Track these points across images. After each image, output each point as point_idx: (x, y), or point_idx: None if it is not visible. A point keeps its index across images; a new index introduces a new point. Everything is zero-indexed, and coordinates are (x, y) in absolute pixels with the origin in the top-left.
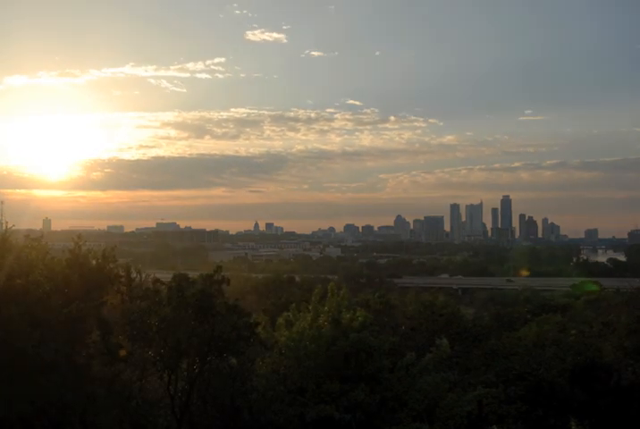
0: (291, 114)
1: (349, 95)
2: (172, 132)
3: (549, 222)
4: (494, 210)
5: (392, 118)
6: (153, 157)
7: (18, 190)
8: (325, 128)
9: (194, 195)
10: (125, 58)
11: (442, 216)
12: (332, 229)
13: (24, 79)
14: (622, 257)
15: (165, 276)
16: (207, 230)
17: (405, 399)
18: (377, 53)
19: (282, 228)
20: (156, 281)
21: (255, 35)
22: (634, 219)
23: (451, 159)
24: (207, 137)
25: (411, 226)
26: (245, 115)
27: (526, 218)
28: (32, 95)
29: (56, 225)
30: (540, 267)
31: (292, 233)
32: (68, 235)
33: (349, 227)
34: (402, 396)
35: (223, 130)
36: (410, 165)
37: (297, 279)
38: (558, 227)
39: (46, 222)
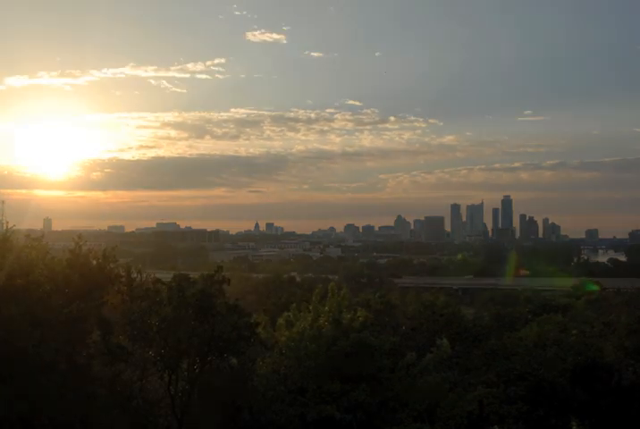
0: (291, 115)
1: (348, 95)
2: (173, 132)
3: (549, 222)
4: (495, 210)
5: (392, 118)
6: (153, 157)
7: (19, 190)
8: (325, 128)
9: (194, 195)
10: (125, 59)
11: (443, 216)
12: (332, 229)
13: (25, 80)
14: (623, 257)
15: (166, 276)
16: (208, 230)
17: (406, 400)
18: (377, 53)
19: (282, 228)
20: (157, 281)
21: (255, 36)
22: (634, 219)
23: (451, 159)
24: (207, 137)
25: (412, 226)
26: (245, 116)
27: (527, 218)
28: (33, 95)
29: (57, 225)
30: (540, 267)
31: (292, 233)
32: (68, 235)
33: (349, 227)
34: (403, 396)
35: (224, 130)
36: (410, 165)
37: (297, 279)
38: (558, 227)
39: (47, 222)
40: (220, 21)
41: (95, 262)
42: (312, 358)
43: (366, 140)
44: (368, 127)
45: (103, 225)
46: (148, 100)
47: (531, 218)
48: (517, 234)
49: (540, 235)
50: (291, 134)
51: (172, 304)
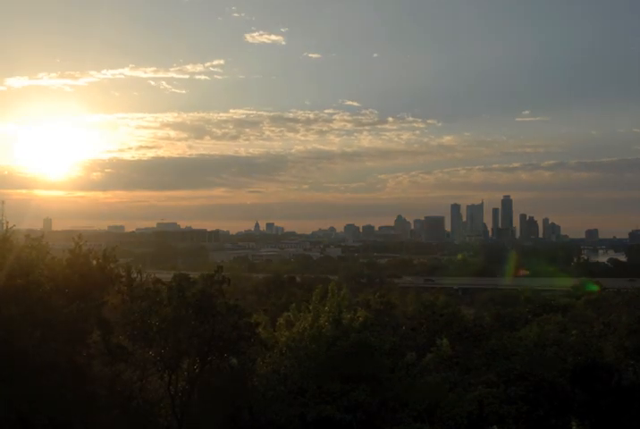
0: (290, 115)
1: (347, 96)
2: (172, 133)
3: (549, 222)
4: (495, 210)
5: (391, 119)
6: (153, 158)
7: (19, 190)
8: (324, 128)
9: (194, 195)
10: (125, 60)
11: (443, 216)
12: (332, 229)
13: (25, 81)
14: (623, 258)
15: (166, 276)
16: (208, 230)
17: (406, 400)
18: (375, 54)
19: (282, 228)
20: (157, 281)
21: (253, 37)
22: (634, 219)
23: (450, 159)
24: (207, 137)
25: (412, 226)
26: (244, 116)
27: (527, 218)
28: (33, 96)
29: (57, 225)
30: (540, 267)
31: (292, 233)
32: (68, 235)
33: (349, 227)
34: (403, 396)
35: (223, 130)
36: (410, 166)
37: (297, 279)
38: (558, 227)
39: (47, 222)
40: (219, 22)
41: (95, 262)
42: (312, 358)
43: (365, 141)
44: (367, 127)
45: (103, 225)
46: (148, 101)
47: (531, 218)
48: (518, 234)
49: (540, 235)
50: (291, 134)
51: (173, 304)
